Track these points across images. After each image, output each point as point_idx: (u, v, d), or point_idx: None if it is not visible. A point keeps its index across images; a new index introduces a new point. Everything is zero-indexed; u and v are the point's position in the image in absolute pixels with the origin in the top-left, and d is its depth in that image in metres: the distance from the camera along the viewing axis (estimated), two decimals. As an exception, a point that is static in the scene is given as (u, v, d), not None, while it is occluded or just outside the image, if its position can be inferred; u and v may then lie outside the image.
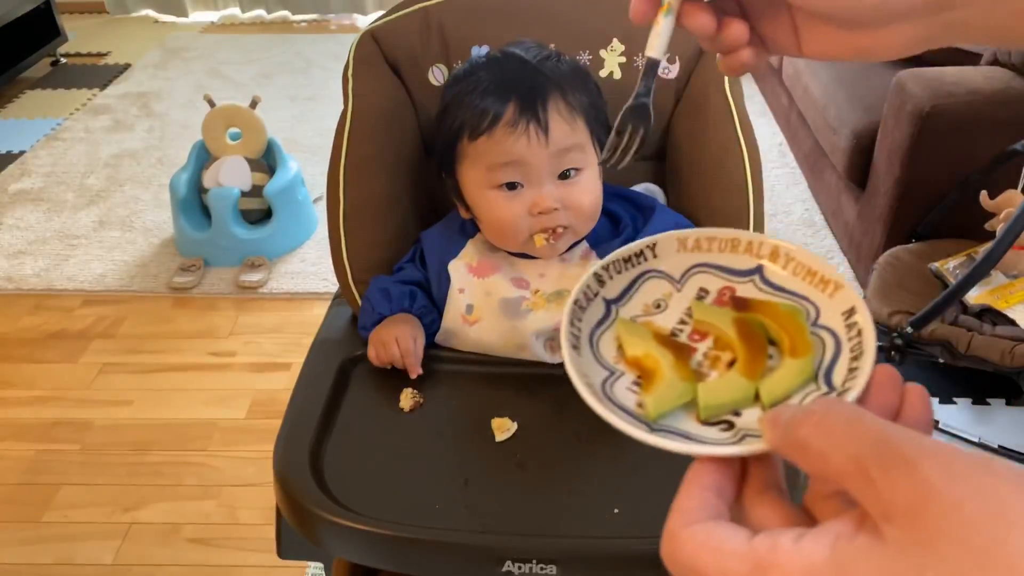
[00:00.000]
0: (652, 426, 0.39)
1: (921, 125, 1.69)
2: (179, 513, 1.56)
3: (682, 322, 0.41)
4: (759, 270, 0.42)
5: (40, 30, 3.52)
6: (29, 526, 1.55)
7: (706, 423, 0.38)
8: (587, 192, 0.90)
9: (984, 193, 1.61)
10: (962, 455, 0.27)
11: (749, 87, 3.16)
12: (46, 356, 2.00)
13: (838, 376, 0.37)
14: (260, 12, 4.33)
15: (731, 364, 0.39)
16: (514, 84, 0.87)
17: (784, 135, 2.83)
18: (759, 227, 0.95)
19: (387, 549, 0.74)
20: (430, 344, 0.94)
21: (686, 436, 0.38)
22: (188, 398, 1.85)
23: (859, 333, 0.38)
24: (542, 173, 0.88)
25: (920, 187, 1.79)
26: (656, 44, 0.42)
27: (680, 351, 0.40)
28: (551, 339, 0.92)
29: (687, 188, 1.01)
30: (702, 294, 0.42)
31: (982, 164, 1.67)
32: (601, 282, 0.42)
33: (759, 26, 0.43)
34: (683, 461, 0.37)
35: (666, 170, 1.06)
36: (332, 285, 1.08)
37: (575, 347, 0.40)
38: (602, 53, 1.01)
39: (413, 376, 0.90)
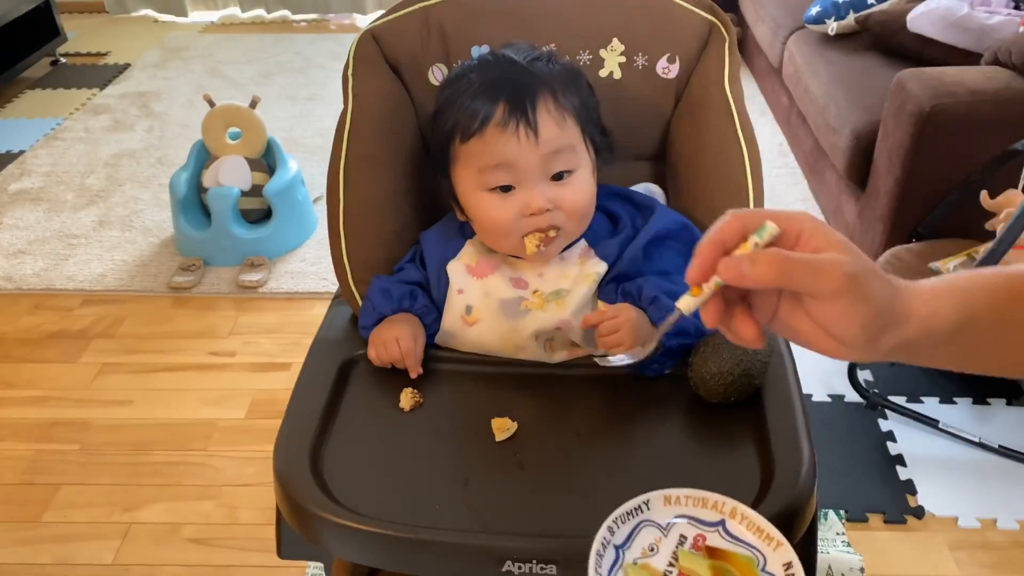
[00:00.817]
0: None
1: (921, 125, 1.69)
2: (179, 513, 1.56)
3: (670, 564, 0.57)
4: (722, 523, 0.59)
5: (40, 30, 3.51)
6: (29, 526, 1.55)
7: None
8: (580, 192, 0.90)
9: (984, 193, 1.61)
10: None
11: (749, 87, 3.16)
12: (46, 356, 2.00)
13: None
14: (260, 12, 4.33)
15: None
16: (503, 85, 0.87)
17: (784, 135, 2.83)
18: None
19: (387, 549, 0.74)
20: (430, 344, 0.94)
21: None
22: (188, 398, 1.85)
23: None
24: (534, 174, 0.88)
25: (920, 187, 1.79)
26: (692, 305, 0.51)
27: None
28: (550, 339, 0.92)
29: (687, 188, 1.01)
30: (682, 540, 0.58)
31: (982, 164, 1.67)
32: (612, 531, 0.58)
33: (753, 302, 0.53)
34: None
35: (666, 170, 1.06)
36: (332, 285, 1.08)
37: None
38: (602, 53, 1.01)
39: (413, 376, 0.90)
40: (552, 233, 0.90)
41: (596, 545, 0.56)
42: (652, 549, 0.58)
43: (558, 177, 0.89)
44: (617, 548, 0.57)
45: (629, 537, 0.58)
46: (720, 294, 0.51)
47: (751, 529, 0.59)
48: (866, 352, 0.51)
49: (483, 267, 0.94)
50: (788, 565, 0.56)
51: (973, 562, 1.40)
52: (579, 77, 0.93)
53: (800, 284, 0.49)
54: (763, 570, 0.57)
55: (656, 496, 0.59)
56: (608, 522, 0.57)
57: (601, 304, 0.91)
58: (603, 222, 0.95)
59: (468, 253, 0.96)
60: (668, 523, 0.59)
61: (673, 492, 0.60)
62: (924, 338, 0.51)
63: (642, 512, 0.59)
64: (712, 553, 0.58)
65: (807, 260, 0.49)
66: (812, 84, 2.34)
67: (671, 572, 0.56)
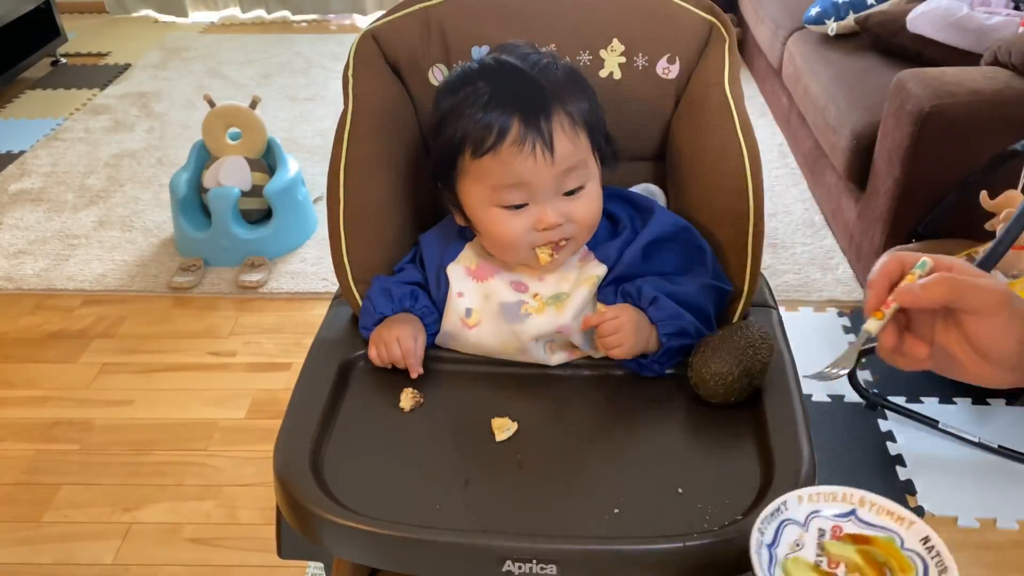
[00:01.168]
0: None
1: (921, 125, 1.69)
2: (179, 513, 1.57)
3: (819, 555, 0.62)
4: (853, 512, 0.64)
5: (40, 30, 3.52)
6: (29, 526, 1.55)
7: None
8: (591, 205, 0.90)
9: (984, 193, 1.61)
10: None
11: (749, 87, 3.17)
12: (46, 356, 2.00)
13: None
14: (260, 12, 4.33)
15: None
16: (516, 99, 0.85)
17: (784, 135, 2.83)
18: (759, 227, 0.95)
19: (387, 549, 0.74)
20: (430, 345, 0.94)
21: None
22: (188, 398, 1.85)
23: (938, 554, 0.59)
24: (547, 192, 0.87)
25: (920, 187, 1.79)
26: (877, 327, 0.60)
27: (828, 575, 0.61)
28: (551, 341, 0.92)
29: (687, 188, 1.01)
30: (821, 532, 0.63)
31: (982, 164, 1.67)
32: (761, 532, 0.63)
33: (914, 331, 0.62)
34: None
35: (666, 170, 1.06)
36: (332, 285, 1.08)
37: None
38: (602, 53, 1.01)
39: (414, 376, 0.90)
40: (563, 243, 0.90)
41: (752, 544, 0.62)
42: (798, 544, 0.63)
43: (569, 192, 0.88)
44: (768, 547, 0.63)
45: (776, 537, 0.64)
46: (893, 324, 0.61)
47: (881, 513, 0.64)
48: (1017, 372, 0.58)
49: (483, 270, 0.94)
50: (926, 539, 0.61)
51: (973, 562, 1.41)
52: (583, 80, 0.92)
53: (966, 301, 0.57)
54: (904, 548, 0.61)
55: (791, 497, 0.65)
56: (757, 524, 0.63)
57: (600, 306, 0.91)
58: (603, 224, 0.95)
59: (468, 256, 0.96)
60: (806, 518, 0.65)
61: (804, 491, 0.65)
62: None
63: (782, 512, 0.65)
64: (855, 539, 0.63)
65: (971, 280, 0.57)
66: (812, 84, 2.34)
67: (822, 561, 0.61)
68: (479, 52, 1.01)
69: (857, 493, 0.65)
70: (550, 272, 0.93)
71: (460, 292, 0.94)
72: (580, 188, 0.89)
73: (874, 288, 0.61)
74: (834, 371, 0.64)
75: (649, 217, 0.95)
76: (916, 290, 0.58)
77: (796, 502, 0.65)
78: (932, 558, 0.60)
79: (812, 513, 0.65)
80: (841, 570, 0.61)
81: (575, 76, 0.92)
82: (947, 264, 0.60)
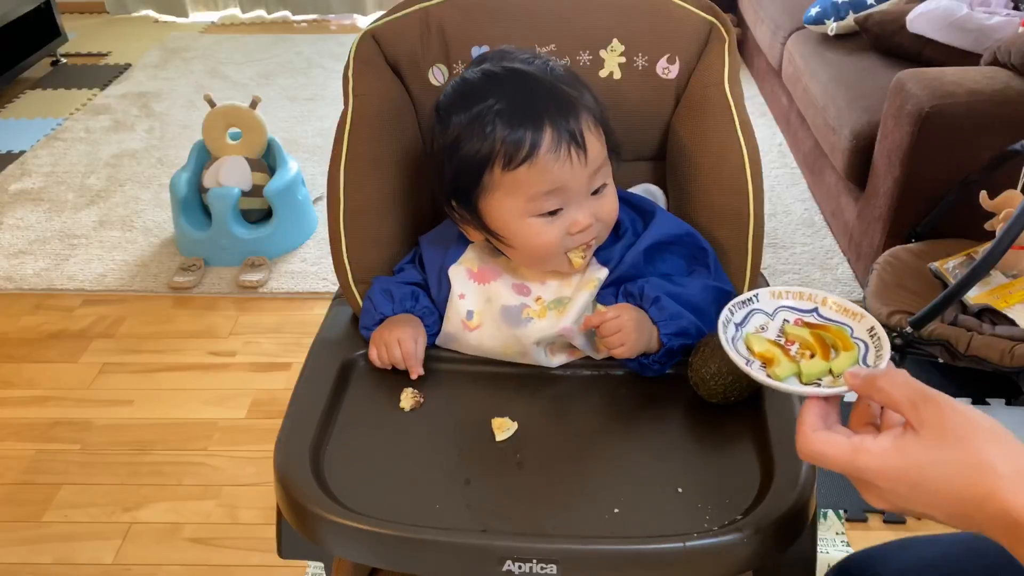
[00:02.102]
0: (778, 385, 0.66)
1: (921, 125, 1.70)
2: (179, 513, 1.57)
3: (778, 335, 0.73)
4: (815, 310, 0.74)
5: (40, 30, 3.52)
6: (29, 526, 1.55)
7: (806, 384, 0.67)
8: (613, 201, 0.90)
9: (984, 193, 1.61)
10: (958, 404, 0.58)
11: (749, 87, 3.17)
12: (46, 356, 2.00)
13: (870, 361, 0.69)
14: (260, 12, 4.33)
15: (812, 356, 0.70)
16: (540, 105, 0.84)
17: (784, 135, 2.83)
18: (759, 227, 0.95)
19: (387, 549, 0.74)
20: (430, 346, 0.94)
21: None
22: (188, 398, 1.85)
23: (879, 339, 0.69)
24: (580, 194, 0.86)
25: (920, 187, 1.79)
26: None
27: (784, 349, 0.71)
28: (552, 344, 0.92)
29: (687, 188, 1.01)
30: (785, 321, 0.74)
31: (981, 164, 1.67)
32: (732, 312, 0.73)
33: None
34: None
35: (666, 170, 1.06)
36: (332, 285, 1.08)
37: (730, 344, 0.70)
38: (602, 53, 1.01)
39: (414, 376, 0.90)
40: (594, 245, 0.90)
41: (721, 320, 0.71)
42: (763, 328, 0.73)
43: (595, 191, 0.88)
44: (736, 325, 0.72)
45: (744, 319, 0.73)
46: None
47: (839, 310, 0.73)
48: None
49: (485, 272, 0.94)
50: (871, 329, 0.70)
51: (972, 562, 1.40)
52: (582, 79, 0.93)
53: None
54: (853, 336, 0.70)
55: (763, 291, 0.75)
56: (728, 306, 0.72)
57: (600, 307, 0.91)
58: None
59: (470, 258, 0.96)
60: (774, 310, 0.74)
61: (776, 288, 0.75)
62: None
63: (753, 303, 0.74)
64: (811, 326, 0.72)
65: None
66: (811, 84, 2.34)
67: (780, 338, 0.71)
68: (479, 52, 1.01)
69: (821, 294, 0.74)
70: (545, 273, 0.93)
71: (462, 294, 0.94)
72: (604, 186, 0.89)
73: None
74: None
75: (650, 220, 0.95)
76: None
77: (768, 296, 0.74)
78: (873, 342, 0.69)
79: (780, 307, 0.74)
80: (795, 347, 0.70)
81: (575, 75, 0.92)
82: None
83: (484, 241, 0.94)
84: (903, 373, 0.60)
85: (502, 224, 0.88)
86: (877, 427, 0.62)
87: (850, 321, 0.72)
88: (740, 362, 0.68)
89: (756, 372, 0.67)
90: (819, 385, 0.67)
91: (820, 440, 0.60)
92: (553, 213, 0.86)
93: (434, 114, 0.91)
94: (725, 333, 0.70)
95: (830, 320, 0.73)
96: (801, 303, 0.74)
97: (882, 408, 0.61)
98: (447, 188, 0.90)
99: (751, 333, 0.72)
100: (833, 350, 0.70)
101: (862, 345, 0.70)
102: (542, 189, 0.84)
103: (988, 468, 0.53)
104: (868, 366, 0.68)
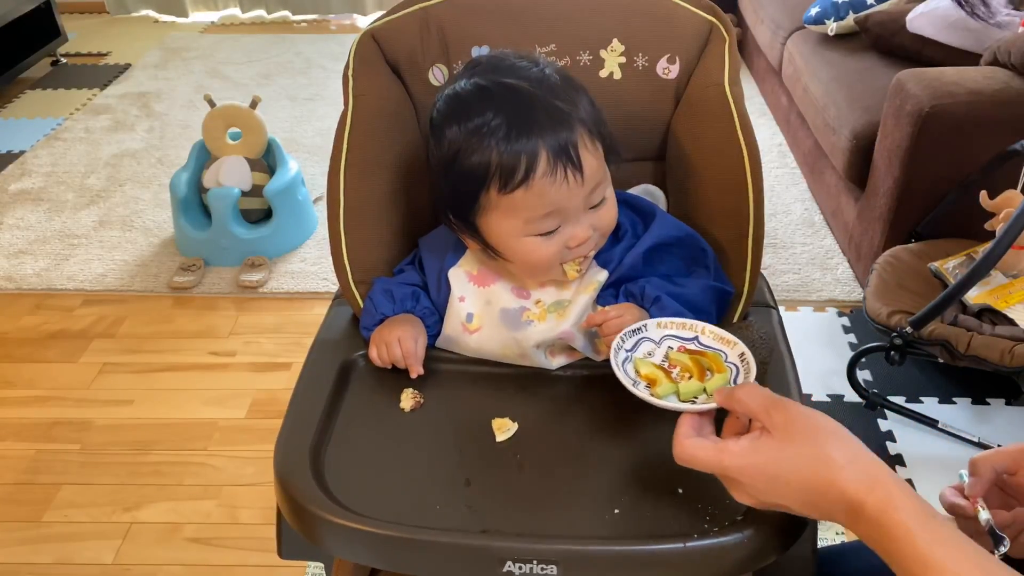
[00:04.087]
0: (659, 402, 0.75)
1: (921, 125, 1.70)
2: (179, 513, 1.57)
3: (663, 360, 0.82)
4: (696, 338, 0.84)
5: (40, 30, 3.52)
6: (29, 526, 1.55)
7: (683, 401, 0.77)
8: (611, 211, 0.89)
9: (984, 193, 1.61)
10: (805, 408, 0.67)
11: (749, 87, 3.17)
12: (46, 356, 2.00)
13: (739, 381, 0.78)
14: (260, 12, 4.33)
15: (690, 377, 0.79)
16: (535, 125, 0.82)
17: (784, 135, 2.83)
18: (759, 227, 0.95)
19: (387, 549, 0.74)
20: (430, 347, 0.94)
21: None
22: (188, 398, 1.85)
23: (748, 363, 0.79)
24: (578, 211, 0.86)
25: (920, 187, 1.79)
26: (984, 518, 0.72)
27: (666, 372, 0.80)
28: (551, 346, 0.92)
29: (687, 189, 1.01)
30: (670, 348, 0.83)
31: (981, 164, 1.67)
32: (623, 340, 0.82)
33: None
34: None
35: (666, 170, 1.06)
36: (332, 285, 1.08)
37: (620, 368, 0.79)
38: (602, 53, 1.01)
39: (414, 376, 0.90)
40: (591, 255, 0.90)
41: (613, 347, 0.80)
42: (650, 354, 0.83)
43: (594, 206, 0.87)
44: (627, 351, 0.81)
45: (634, 347, 0.82)
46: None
47: (716, 339, 0.83)
48: None
49: (485, 275, 0.94)
50: (742, 355, 0.80)
51: (972, 562, 1.40)
52: (577, 83, 0.90)
53: None
54: (726, 361, 0.80)
55: (651, 322, 0.84)
56: (620, 335, 0.82)
57: (599, 308, 0.91)
58: None
59: (470, 260, 0.95)
60: (660, 339, 0.84)
61: (662, 319, 0.85)
62: None
63: (642, 332, 0.83)
64: (691, 352, 0.82)
65: None
66: (812, 84, 2.34)
67: (664, 363, 0.81)
68: (479, 52, 1.00)
69: (700, 324, 0.84)
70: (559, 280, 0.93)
71: (461, 297, 0.93)
72: (603, 200, 0.88)
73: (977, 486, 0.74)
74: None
75: (650, 222, 0.95)
76: None
77: (655, 327, 0.84)
78: (743, 366, 0.79)
79: (665, 335, 0.84)
80: (676, 370, 0.80)
81: (570, 79, 0.90)
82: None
83: (482, 249, 0.93)
84: (757, 386, 0.71)
85: (500, 241, 0.87)
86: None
87: (725, 348, 0.82)
88: (627, 383, 0.76)
89: (640, 391, 0.76)
90: (695, 402, 0.76)
91: (690, 445, 0.69)
92: (551, 232, 0.86)
93: (428, 126, 0.90)
94: (615, 358, 0.79)
95: (708, 347, 0.82)
96: (683, 332, 0.84)
97: (749, 421, 0.70)
98: (443, 204, 0.89)
99: (639, 358, 0.81)
100: (708, 372, 0.79)
101: (734, 368, 0.80)
102: (539, 212, 0.84)
103: (829, 460, 0.62)
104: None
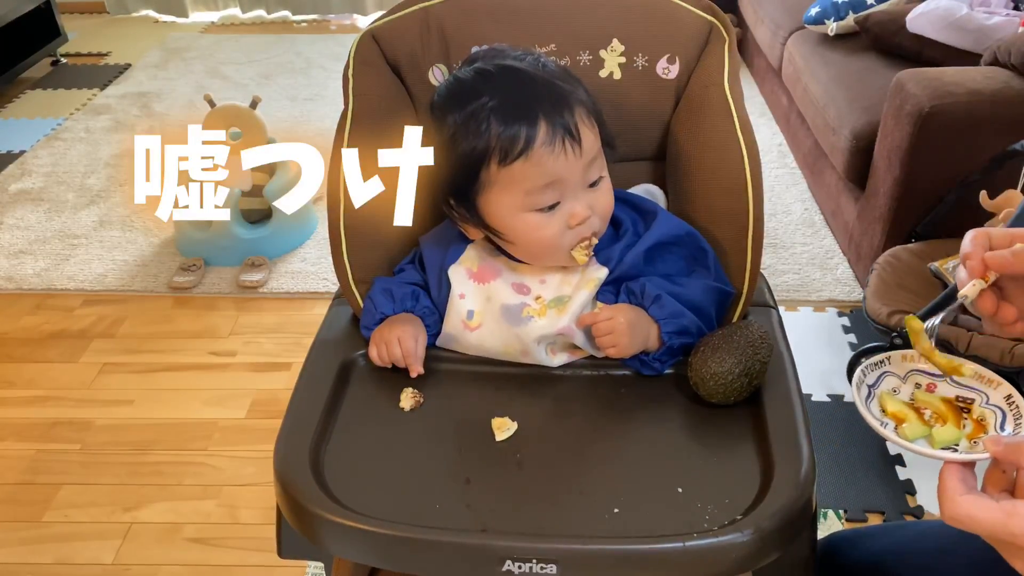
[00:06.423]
0: (910, 446, 0.67)
1: (921, 125, 1.70)
2: (179, 513, 1.57)
3: (911, 399, 0.72)
4: (950, 376, 0.73)
5: (40, 30, 3.52)
6: (29, 526, 1.55)
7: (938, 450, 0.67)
8: (609, 194, 0.91)
9: (984, 193, 1.61)
10: None
11: (749, 87, 3.17)
12: (46, 356, 2.00)
13: (1009, 429, 0.67)
14: (260, 12, 4.33)
15: (944, 423, 0.69)
16: (533, 99, 0.84)
17: (784, 135, 2.83)
18: (758, 228, 0.95)
19: (387, 549, 0.74)
20: (430, 346, 0.94)
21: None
22: (188, 398, 1.85)
23: (1018, 407, 0.68)
24: (577, 186, 0.87)
25: (920, 187, 1.79)
26: (972, 292, 0.67)
27: (918, 412, 0.70)
28: (552, 343, 0.92)
29: (687, 188, 1.01)
30: (917, 385, 0.73)
31: (981, 164, 1.67)
32: (864, 374, 0.72)
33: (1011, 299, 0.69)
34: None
35: (666, 170, 1.06)
36: (332, 285, 1.08)
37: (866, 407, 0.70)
38: (602, 53, 1.01)
39: (414, 376, 0.90)
40: (594, 240, 0.90)
41: (855, 381, 0.71)
42: (896, 391, 0.73)
43: (592, 184, 0.88)
44: (869, 387, 0.73)
45: (878, 381, 0.74)
46: (990, 290, 0.68)
47: (976, 378, 0.72)
48: None
49: (485, 272, 0.94)
50: (1009, 396, 0.69)
51: (972, 562, 1.40)
52: (573, 75, 0.93)
53: None
54: (988, 404, 0.70)
55: (895, 354, 0.75)
56: (861, 368, 0.73)
57: (600, 305, 0.91)
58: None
59: (470, 257, 0.96)
60: (905, 375, 0.74)
61: (908, 352, 0.75)
62: None
63: (885, 365, 0.75)
64: (947, 401, 0.72)
65: None
66: (811, 84, 2.34)
67: (912, 402, 0.72)
68: (479, 52, 1.00)
69: (956, 360, 0.73)
70: (546, 272, 0.93)
71: (462, 294, 0.94)
72: (600, 178, 0.89)
73: (972, 258, 0.67)
74: (934, 323, 0.73)
75: (652, 220, 0.95)
76: (1008, 256, 0.65)
77: (900, 359, 0.75)
78: (1011, 410, 0.68)
79: (912, 371, 0.74)
80: (928, 412, 0.70)
81: (567, 70, 0.93)
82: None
83: (484, 239, 0.94)
84: None
85: (501, 220, 0.88)
86: (1011, 493, 0.62)
87: (985, 388, 0.71)
88: (875, 424, 0.68)
89: (891, 434, 0.68)
90: (955, 451, 0.67)
91: (968, 503, 0.59)
92: (551, 208, 0.87)
93: (428, 113, 0.91)
94: (859, 394, 0.71)
95: (964, 386, 0.72)
96: (933, 370, 0.74)
97: (1016, 474, 0.61)
98: (445, 187, 0.90)
99: (885, 392, 0.73)
100: (966, 419, 0.70)
101: (998, 412, 0.69)
102: (539, 183, 0.85)
103: None
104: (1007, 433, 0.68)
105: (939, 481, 0.62)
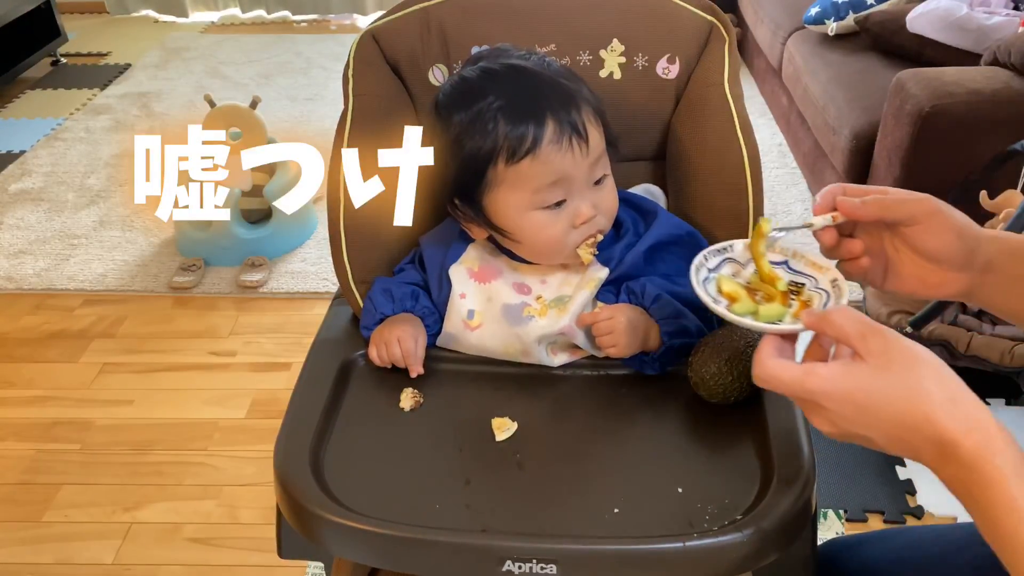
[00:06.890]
0: (738, 320, 0.71)
1: (921, 125, 1.70)
2: (179, 513, 1.57)
3: (748, 282, 0.76)
4: (785, 262, 0.78)
5: (40, 30, 3.52)
6: (29, 526, 1.55)
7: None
8: (613, 192, 0.91)
9: (984, 193, 1.61)
10: (904, 338, 0.62)
11: (749, 87, 3.17)
12: (46, 356, 2.00)
13: (831, 306, 0.72)
14: (260, 12, 4.33)
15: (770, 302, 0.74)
16: (540, 97, 0.85)
17: (784, 135, 2.83)
18: (759, 227, 0.95)
19: (387, 549, 0.74)
20: (430, 346, 0.94)
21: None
22: (188, 398, 1.85)
23: (840, 288, 0.73)
24: (583, 184, 0.87)
25: (919, 187, 1.76)
26: (819, 222, 0.74)
27: (750, 292, 0.75)
28: (553, 343, 0.92)
29: (687, 188, 1.01)
30: (754, 271, 0.77)
31: (981, 164, 1.67)
32: (706, 259, 0.77)
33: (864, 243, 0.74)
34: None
35: (666, 170, 1.06)
36: (332, 285, 1.08)
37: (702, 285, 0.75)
38: (602, 53, 1.01)
39: (414, 376, 0.90)
40: (599, 237, 0.90)
41: (695, 263, 0.75)
42: (735, 274, 0.77)
43: (597, 182, 0.88)
44: (709, 270, 0.77)
45: (717, 266, 0.78)
46: (835, 228, 0.73)
47: (807, 264, 0.77)
48: (963, 275, 0.71)
49: (486, 272, 0.94)
50: (834, 280, 0.74)
51: (972, 562, 1.40)
52: (577, 75, 0.93)
53: (897, 214, 0.70)
54: (817, 287, 0.75)
55: (738, 242, 0.79)
56: (702, 253, 0.77)
57: (600, 304, 0.91)
58: None
59: (471, 257, 0.96)
60: (748, 262, 0.78)
61: (748, 240, 0.78)
62: (1004, 257, 0.71)
63: (728, 251, 0.78)
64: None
65: (901, 197, 0.71)
66: (811, 84, 2.34)
67: (747, 286, 0.76)
68: (479, 52, 1.00)
69: (792, 248, 0.79)
70: (547, 272, 0.93)
71: (463, 294, 0.93)
72: (604, 177, 0.89)
73: (824, 197, 0.73)
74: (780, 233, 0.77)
75: (652, 220, 0.95)
76: (857, 203, 0.71)
77: (742, 247, 0.79)
78: (835, 292, 0.73)
79: (752, 259, 0.77)
80: (760, 296, 0.75)
81: (571, 71, 0.93)
82: (883, 189, 0.72)
83: (487, 239, 0.94)
84: (852, 309, 0.65)
85: (507, 219, 0.88)
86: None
87: (815, 273, 0.77)
88: (708, 300, 0.72)
89: (721, 309, 0.72)
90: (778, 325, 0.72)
91: (773, 365, 0.64)
92: (557, 205, 0.87)
93: (433, 113, 0.91)
94: (696, 275, 0.75)
95: (798, 272, 0.78)
96: (773, 255, 0.78)
97: (832, 348, 0.66)
98: (450, 187, 0.90)
99: (723, 275, 0.77)
100: (792, 299, 0.75)
101: (824, 294, 0.74)
102: (546, 181, 0.85)
103: (927, 394, 0.59)
104: None
105: (756, 351, 0.67)
